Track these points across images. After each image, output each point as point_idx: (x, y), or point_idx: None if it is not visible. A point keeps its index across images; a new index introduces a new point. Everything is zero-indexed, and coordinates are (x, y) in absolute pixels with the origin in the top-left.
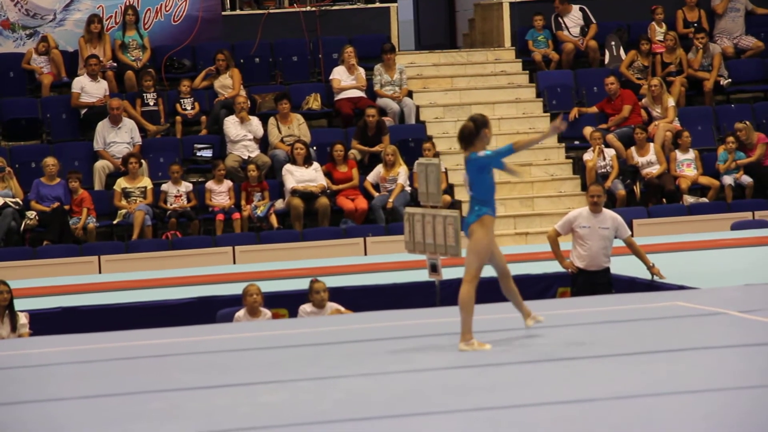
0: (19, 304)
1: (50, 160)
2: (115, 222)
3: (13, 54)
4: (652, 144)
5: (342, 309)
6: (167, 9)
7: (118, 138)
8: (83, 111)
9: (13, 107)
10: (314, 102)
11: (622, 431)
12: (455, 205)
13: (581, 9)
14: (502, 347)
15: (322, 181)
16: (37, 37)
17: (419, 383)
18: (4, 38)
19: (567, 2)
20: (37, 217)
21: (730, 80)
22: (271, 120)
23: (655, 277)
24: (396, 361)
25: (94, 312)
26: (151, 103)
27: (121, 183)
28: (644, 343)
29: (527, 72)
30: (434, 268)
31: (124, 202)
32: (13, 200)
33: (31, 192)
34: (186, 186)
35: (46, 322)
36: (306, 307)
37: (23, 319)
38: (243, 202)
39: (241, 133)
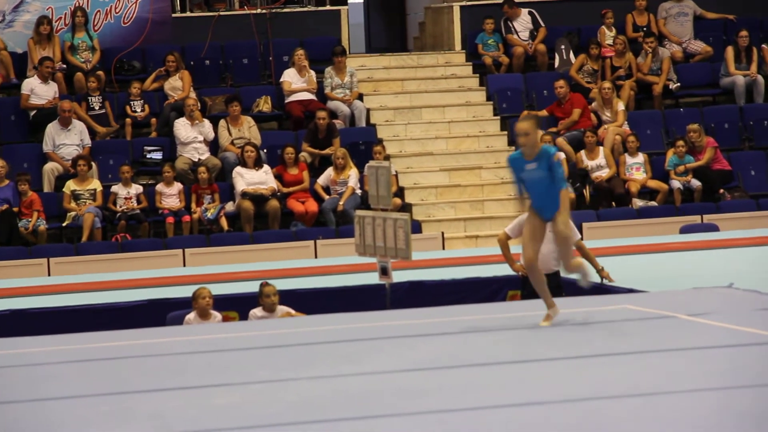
0: None
1: None
2: (64, 224)
3: None
4: (601, 147)
5: (293, 312)
6: (117, 11)
7: (67, 140)
8: (32, 113)
9: None
10: (265, 104)
11: None
12: (405, 208)
13: (530, 13)
14: (452, 350)
15: (273, 183)
16: None
17: (371, 385)
18: None
19: (516, 6)
20: None
21: (679, 84)
22: (222, 122)
23: (605, 281)
24: (347, 363)
25: (43, 314)
26: (96, 108)
27: (71, 185)
28: (593, 346)
29: (477, 75)
30: (384, 271)
31: (73, 204)
32: None
33: None
34: (136, 188)
35: None
36: (256, 312)
37: None
38: (193, 205)
39: (191, 135)
